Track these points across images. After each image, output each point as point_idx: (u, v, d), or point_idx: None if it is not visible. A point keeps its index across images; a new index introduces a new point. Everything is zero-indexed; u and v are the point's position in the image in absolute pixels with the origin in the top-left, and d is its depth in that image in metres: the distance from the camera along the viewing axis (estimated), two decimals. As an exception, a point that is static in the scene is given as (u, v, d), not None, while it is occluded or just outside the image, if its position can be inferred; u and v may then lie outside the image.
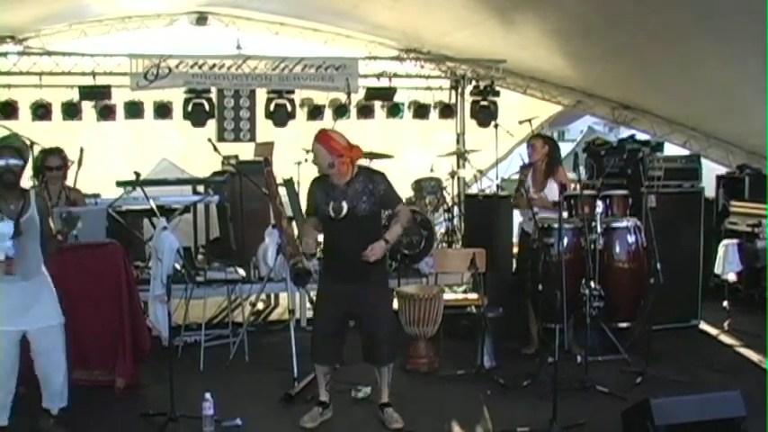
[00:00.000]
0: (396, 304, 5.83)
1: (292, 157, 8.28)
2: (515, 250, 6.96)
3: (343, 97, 8.93)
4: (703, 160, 7.64)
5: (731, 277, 7.27)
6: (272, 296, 8.07)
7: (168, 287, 4.83)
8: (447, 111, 9.83)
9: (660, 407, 4.16)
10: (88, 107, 8.44)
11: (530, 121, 8.30)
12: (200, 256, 7.68)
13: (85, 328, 5.03)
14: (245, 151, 8.33)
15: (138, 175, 5.61)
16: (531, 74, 9.99)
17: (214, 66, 8.44)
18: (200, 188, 7.93)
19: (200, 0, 9.30)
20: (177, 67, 8.24)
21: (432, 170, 9.09)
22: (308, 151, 8.21)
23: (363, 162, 5.22)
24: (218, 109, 8.70)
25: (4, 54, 8.54)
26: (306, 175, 8.18)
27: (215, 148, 6.13)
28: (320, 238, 4.85)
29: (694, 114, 9.35)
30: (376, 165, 7.09)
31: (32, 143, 5.92)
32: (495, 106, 9.53)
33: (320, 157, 4.55)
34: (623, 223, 6.16)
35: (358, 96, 9.23)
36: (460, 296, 6.92)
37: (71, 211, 4.33)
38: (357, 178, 4.58)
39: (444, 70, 10.02)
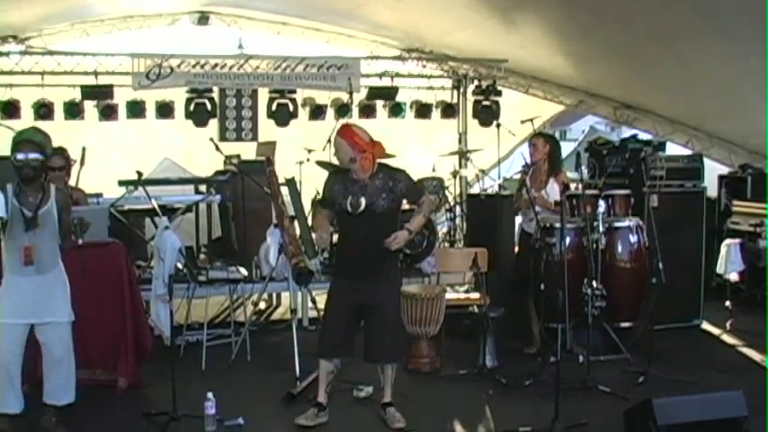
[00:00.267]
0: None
1: (294, 157, 8.30)
2: (516, 250, 6.96)
3: (345, 97, 8.93)
4: (705, 160, 7.63)
5: (733, 277, 7.26)
6: (274, 295, 8.08)
7: (170, 286, 4.82)
8: (449, 110, 9.83)
9: (662, 407, 4.15)
10: (90, 107, 8.44)
11: (532, 120, 8.28)
12: (202, 256, 7.69)
13: (87, 327, 5.02)
14: (247, 151, 8.34)
15: (140, 174, 5.62)
16: (533, 73, 9.98)
17: (216, 65, 8.44)
18: (203, 188, 7.95)
19: (203, 0, 9.30)
20: (179, 66, 8.25)
21: (434, 170, 9.08)
22: (309, 150, 8.29)
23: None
24: (219, 108, 8.70)
25: (7, 53, 8.54)
26: (308, 174, 8.23)
27: (217, 148, 6.14)
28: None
29: (696, 114, 9.34)
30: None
31: None
32: (497, 106, 9.53)
33: (342, 152, 4.55)
34: (625, 223, 6.16)
35: (360, 96, 9.23)
36: (462, 296, 6.91)
37: (83, 218, 4.35)
38: (377, 175, 4.57)
39: (446, 70, 10.02)
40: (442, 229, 8.97)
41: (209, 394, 4.60)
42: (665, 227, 6.08)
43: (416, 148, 10.13)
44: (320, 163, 7.83)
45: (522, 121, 8.62)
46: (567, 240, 5.72)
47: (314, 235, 4.98)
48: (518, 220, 6.65)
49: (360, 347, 4.75)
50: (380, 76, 9.48)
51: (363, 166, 4.52)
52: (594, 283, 5.72)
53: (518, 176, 6.32)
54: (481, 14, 8.05)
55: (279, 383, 5.39)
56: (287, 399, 5.15)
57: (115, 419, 4.85)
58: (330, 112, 9.29)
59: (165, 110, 8.69)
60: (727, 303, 7.07)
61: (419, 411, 4.91)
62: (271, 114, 8.85)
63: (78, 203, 5.72)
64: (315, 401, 4.79)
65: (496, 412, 4.97)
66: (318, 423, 4.70)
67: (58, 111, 8.36)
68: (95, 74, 8.36)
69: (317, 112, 9.29)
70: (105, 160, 8.36)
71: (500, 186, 8.54)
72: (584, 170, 5.88)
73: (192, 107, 8.55)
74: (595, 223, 5.84)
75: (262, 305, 7.66)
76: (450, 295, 6.53)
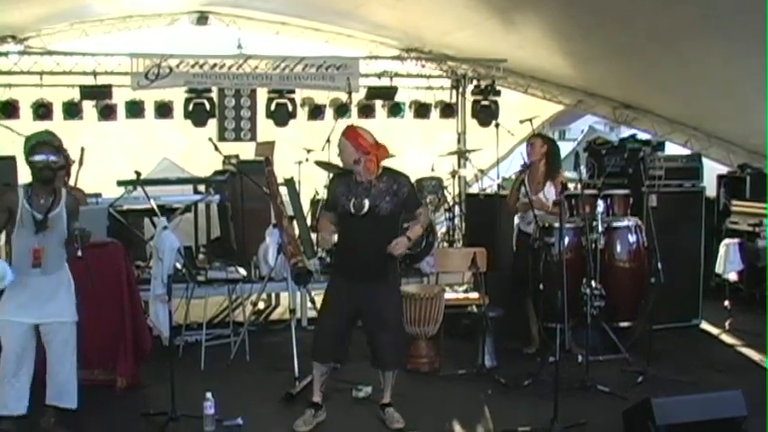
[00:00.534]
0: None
1: (293, 157, 8.30)
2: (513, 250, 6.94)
3: (344, 97, 8.93)
4: (704, 160, 7.65)
5: (732, 277, 7.27)
6: (273, 296, 8.07)
7: (169, 287, 4.83)
8: (448, 110, 9.83)
9: (661, 406, 4.15)
10: (89, 107, 8.44)
11: (531, 120, 8.29)
12: (200, 256, 7.69)
13: (86, 327, 4.99)
14: (246, 151, 8.34)
15: (138, 174, 5.61)
16: (532, 73, 9.99)
17: (215, 65, 8.45)
18: (201, 188, 7.94)
19: (202, 0, 9.30)
20: (178, 66, 8.25)
21: (433, 170, 9.08)
22: (308, 150, 8.29)
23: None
24: (218, 108, 8.70)
25: (5, 54, 8.54)
26: (306, 174, 8.23)
27: (216, 148, 6.14)
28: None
29: (696, 114, 9.34)
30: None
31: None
32: (496, 106, 9.53)
33: (346, 153, 4.55)
34: (624, 223, 6.16)
35: (359, 96, 9.23)
36: (461, 296, 6.92)
37: (84, 228, 4.37)
38: (381, 178, 4.57)
39: (445, 70, 10.02)
40: (440, 229, 8.97)
41: (208, 394, 4.60)
42: (663, 227, 6.08)
43: (415, 147, 10.12)
44: (319, 163, 7.84)
45: (521, 121, 8.62)
46: (566, 240, 5.72)
47: (314, 235, 4.97)
48: (515, 219, 6.63)
49: (355, 349, 4.76)
50: (379, 76, 9.48)
51: (368, 168, 4.51)
52: (593, 283, 5.72)
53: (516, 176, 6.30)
54: (480, 14, 8.05)
55: (278, 383, 5.39)
56: (286, 399, 5.15)
57: (114, 419, 4.85)
58: (329, 113, 9.29)
59: (163, 110, 8.69)
60: (726, 303, 7.07)
61: (418, 411, 4.91)
62: (269, 114, 8.85)
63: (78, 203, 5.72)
64: (310, 402, 4.78)
65: (495, 412, 4.97)
66: (317, 423, 4.71)
67: (57, 111, 8.36)
68: (94, 74, 8.36)
69: (316, 112, 9.29)
70: (104, 160, 8.35)
71: (499, 186, 8.54)
72: (583, 170, 5.86)
73: (190, 107, 8.55)
74: (594, 223, 5.84)
75: (261, 305, 7.65)
76: (449, 295, 6.53)
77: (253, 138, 8.88)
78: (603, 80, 9.48)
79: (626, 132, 9.90)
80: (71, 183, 6.07)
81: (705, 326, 7.07)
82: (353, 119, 9.04)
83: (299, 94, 9.01)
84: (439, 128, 10.19)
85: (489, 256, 6.30)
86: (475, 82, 9.73)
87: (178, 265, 5.68)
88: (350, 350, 4.84)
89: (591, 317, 5.65)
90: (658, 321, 5.89)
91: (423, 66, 9.97)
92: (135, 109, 8.57)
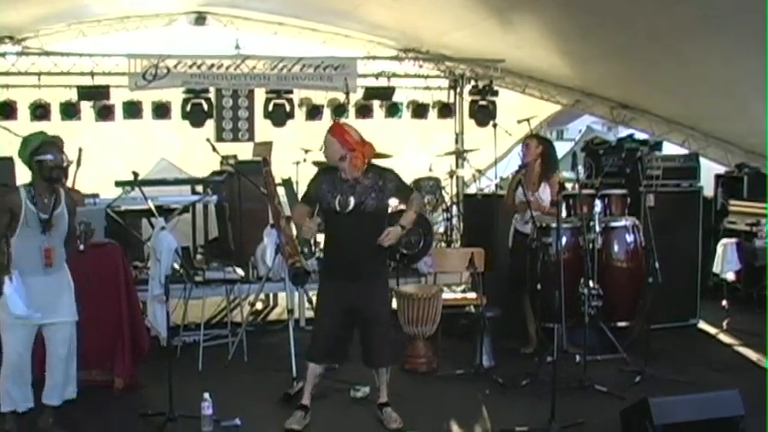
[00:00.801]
0: (394, 304, 5.84)
1: (291, 157, 8.30)
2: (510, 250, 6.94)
3: (341, 97, 8.93)
4: (702, 159, 7.64)
5: (730, 276, 7.26)
6: (271, 296, 8.07)
7: (167, 287, 4.82)
8: (446, 110, 9.83)
9: (659, 406, 4.16)
10: (87, 107, 8.43)
11: (528, 120, 8.28)
12: (198, 256, 7.69)
13: (84, 328, 4.99)
14: (244, 151, 8.32)
15: (136, 175, 5.60)
16: (530, 73, 9.99)
17: (213, 66, 8.44)
18: (199, 188, 7.93)
19: (199, 0, 9.29)
20: (176, 67, 8.24)
21: (430, 170, 9.09)
22: (306, 151, 8.29)
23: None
24: (216, 109, 8.69)
25: (3, 54, 8.53)
26: (304, 175, 8.20)
27: (213, 148, 6.12)
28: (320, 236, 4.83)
29: (693, 114, 9.34)
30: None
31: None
32: (494, 106, 9.54)
33: (332, 150, 4.53)
34: (622, 222, 6.17)
35: (356, 96, 9.23)
36: (459, 296, 6.91)
37: (90, 223, 4.38)
38: (367, 174, 4.56)
39: (443, 70, 10.02)
40: (438, 229, 8.97)
41: (206, 395, 4.61)
42: (661, 226, 6.08)
43: (413, 148, 10.14)
44: (317, 163, 7.83)
45: (519, 121, 8.61)
46: (564, 240, 5.73)
47: (294, 226, 4.91)
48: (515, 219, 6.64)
49: (354, 349, 4.76)
50: (377, 76, 9.48)
51: (354, 165, 4.50)
52: (591, 283, 5.71)
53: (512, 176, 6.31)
54: (478, 14, 8.05)
55: (276, 384, 5.38)
56: (284, 399, 5.15)
57: (112, 420, 4.85)
58: (327, 113, 9.29)
59: (161, 110, 8.68)
60: (724, 303, 7.07)
61: (416, 411, 4.91)
62: (267, 115, 8.85)
63: (75, 204, 5.72)
64: (299, 404, 4.78)
65: (493, 412, 4.98)
66: (305, 425, 4.71)
67: (55, 111, 8.35)
68: (92, 74, 8.35)
69: (314, 112, 9.29)
70: (102, 161, 8.33)
71: (497, 186, 8.55)
72: (581, 170, 5.89)
73: (188, 107, 8.54)
74: (592, 223, 5.85)
75: (258, 306, 7.65)
76: (446, 295, 6.53)
77: (250, 138, 8.87)
78: (601, 80, 9.49)
79: (623, 132, 9.92)
80: (69, 184, 6.06)
81: (703, 325, 7.08)
82: (351, 119, 9.04)
83: (296, 95, 9.01)
84: (436, 128, 10.20)
85: (487, 257, 6.30)
86: (472, 82, 9.73)
87: (176, 266, 5.68)
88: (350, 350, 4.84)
89: (588, 317, 5.65)
90: (656, 321, 5.91)
91: (420, 66, 9.97)
92: (132, 109, 8.56)
